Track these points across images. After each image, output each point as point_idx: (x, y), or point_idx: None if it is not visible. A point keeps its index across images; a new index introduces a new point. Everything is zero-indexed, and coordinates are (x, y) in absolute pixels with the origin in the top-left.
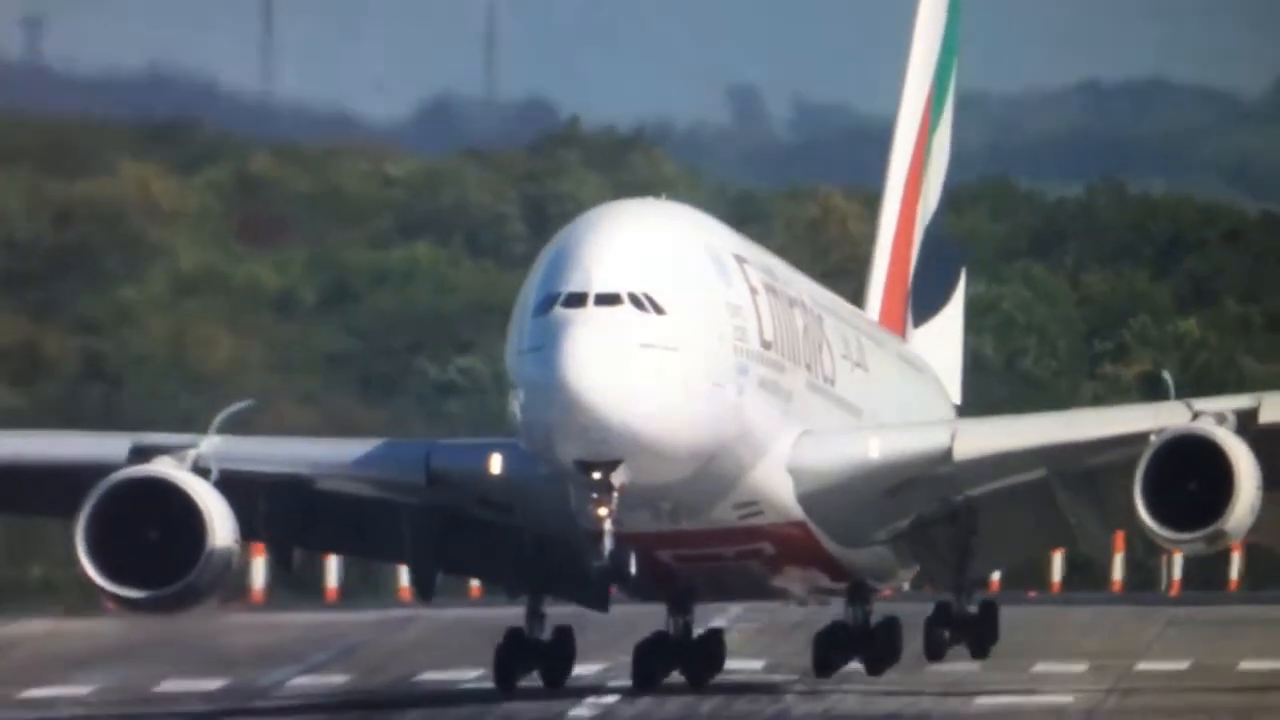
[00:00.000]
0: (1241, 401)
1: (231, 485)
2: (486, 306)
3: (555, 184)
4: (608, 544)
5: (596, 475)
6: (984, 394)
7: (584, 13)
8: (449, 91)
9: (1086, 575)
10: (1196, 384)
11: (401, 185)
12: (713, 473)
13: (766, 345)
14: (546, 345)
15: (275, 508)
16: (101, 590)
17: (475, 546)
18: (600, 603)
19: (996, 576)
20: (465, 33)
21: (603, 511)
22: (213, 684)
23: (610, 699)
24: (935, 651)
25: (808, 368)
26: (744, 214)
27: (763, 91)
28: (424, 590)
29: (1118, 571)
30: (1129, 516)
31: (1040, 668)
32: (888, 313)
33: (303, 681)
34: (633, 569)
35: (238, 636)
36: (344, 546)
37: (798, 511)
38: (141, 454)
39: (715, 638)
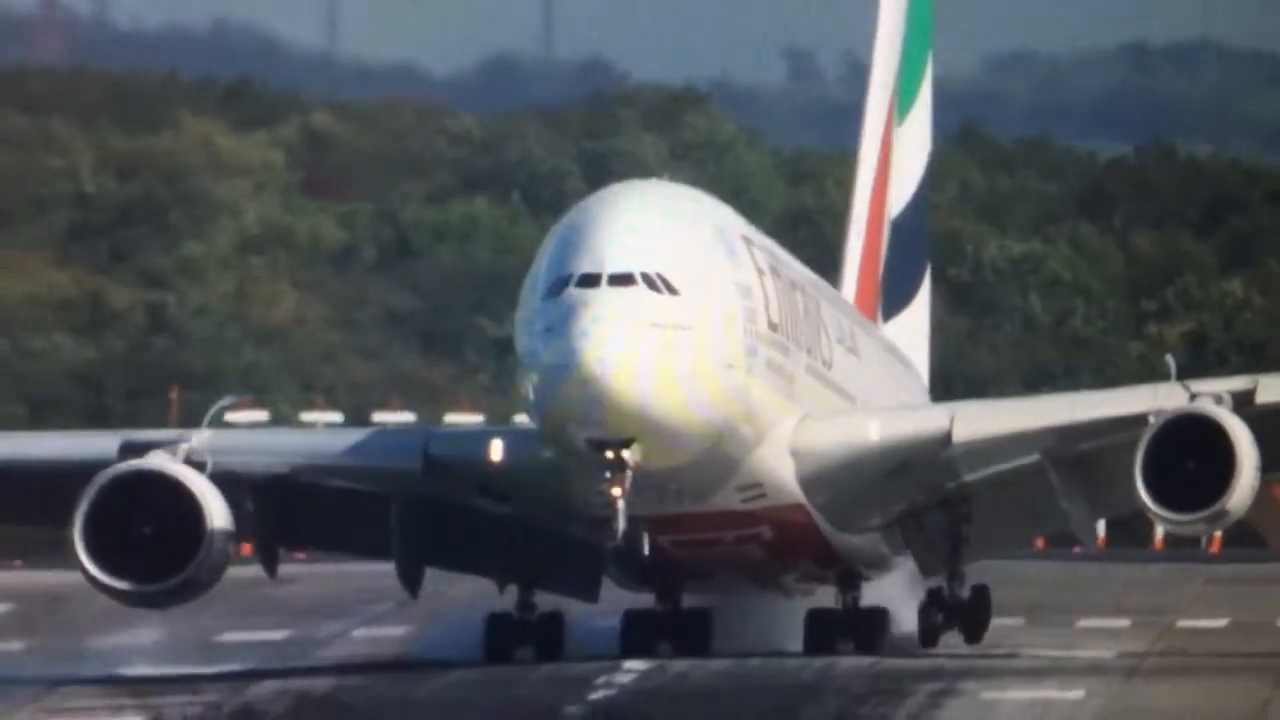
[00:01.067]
0: (1238, 383)
1: (221, 482)
2: None
3: (614, 142)
4: (621, 524)
5: (609, 454)
6: (1033, 353)
7: None
8: (509, 49)
9: (1129, 533)
10: (1239, 344)
11: (462, 142)
12: (719, 454)
13: (773, 327)
14: (560, 326)
15: (263, 504)
16: (98, 584)
17: (465, 540)
18: (590, 593)
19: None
20: None
21: (616, 491)
22: (276, 635)
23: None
24: (929, 637)
25: (808, 351)
26: (797, 172)
27: (816, 51)
28: (411, 585)
29: (1159, 530)
30: (1120, 502)
31: (1083, 624)
32: (860, 307)
33: (363, 633)
34: (646, 549)
35: (300, 587)
36: (331, 542)
37: (798, 494)
38: (131, 451)
39: (704, 614)
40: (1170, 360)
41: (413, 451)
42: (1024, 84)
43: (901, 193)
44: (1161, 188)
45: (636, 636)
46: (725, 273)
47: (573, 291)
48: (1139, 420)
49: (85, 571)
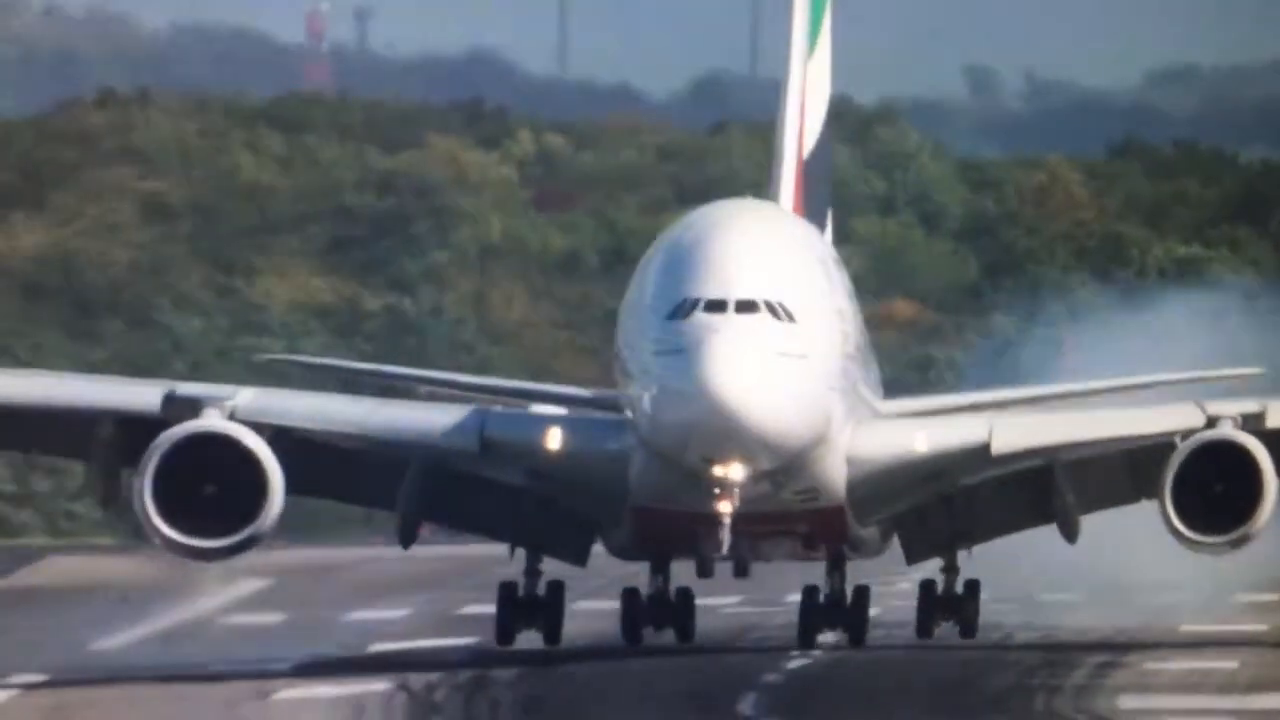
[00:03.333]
0: (1249, 405)
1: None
2: None
3: None
4: (727, 536)
5: (722, 472)
6: None
7: None
8: (718, 68)
9: None
10: None
11: (673, 156)
12: (796, 464)
13: (856, 348)
14: (689, 350)
15: (277, 453)
16: (169, 541)
17: (470, 500)
18: (580, 558)
19: None
20: (733, 11)
21: (726, 506)
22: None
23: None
24: (925, 629)
25: (865, 365)
26: (977, 181)
27: (996, 67)
28: (406, 539)
29: None
30: (1109, 499)
31: (1241, 598)
32: None
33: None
34: (725, 546)
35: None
36: (338, 492)
37: (843, 497)
38: (174, 402)
39: (688, 594)
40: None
41: (470, 432)
42: (1184, 95)
43: (811, 134)
44: None
45: (632, 613)
46: (829, 298)
47: (700, 316)
48: (1162, 439)
49: (155, 529)
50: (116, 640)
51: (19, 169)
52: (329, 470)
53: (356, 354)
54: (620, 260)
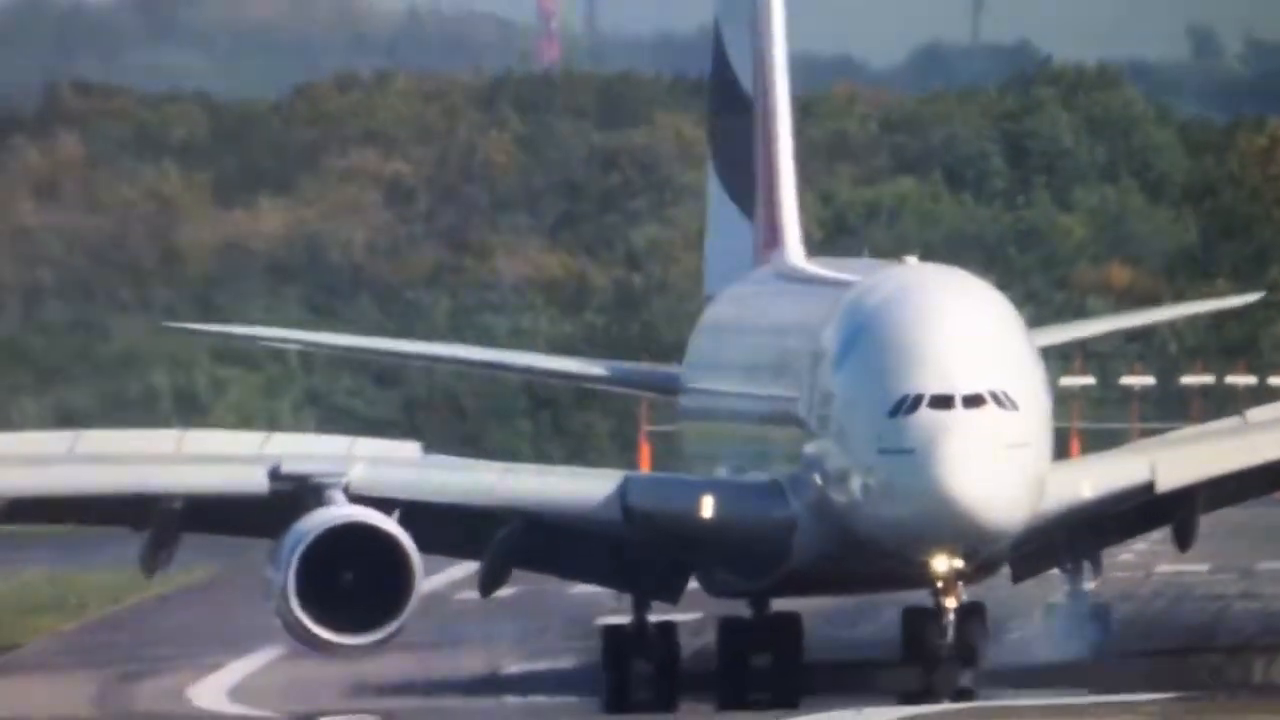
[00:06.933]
0: None
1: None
2: (964, 236)
3: (1032, 122)
4: (951, 623)
5: (946, 567)
6: None
7: None
8: (939, 37)
9: None
10: None
11: (894, 126)
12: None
13: (1050, 412)
14: (919, 451)
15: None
16: (314, 639)
17: (564, 546)
18: (672, 596)
19: None
20: None
21: (951, 602)
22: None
23: None
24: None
25: None
26: (1198, 144)
27: (1218, 29)
28: (490, 586)
29: None
30: (1228, 502)
31: None
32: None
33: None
34: (941, 638)
35: None
36: (434, 546)
37: (1007, 552)
38: (280, 479)
39: (796, 619)
40: None
41: (611, 502)
42: None
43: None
44: None
45: (732, 644)
46: (1039, 374)
47: (927, 414)
48: None
49: (304, 630)
50: None
51: (263, 152)
52: (428, 531)
53: (583, 329)
54: (840, 230)
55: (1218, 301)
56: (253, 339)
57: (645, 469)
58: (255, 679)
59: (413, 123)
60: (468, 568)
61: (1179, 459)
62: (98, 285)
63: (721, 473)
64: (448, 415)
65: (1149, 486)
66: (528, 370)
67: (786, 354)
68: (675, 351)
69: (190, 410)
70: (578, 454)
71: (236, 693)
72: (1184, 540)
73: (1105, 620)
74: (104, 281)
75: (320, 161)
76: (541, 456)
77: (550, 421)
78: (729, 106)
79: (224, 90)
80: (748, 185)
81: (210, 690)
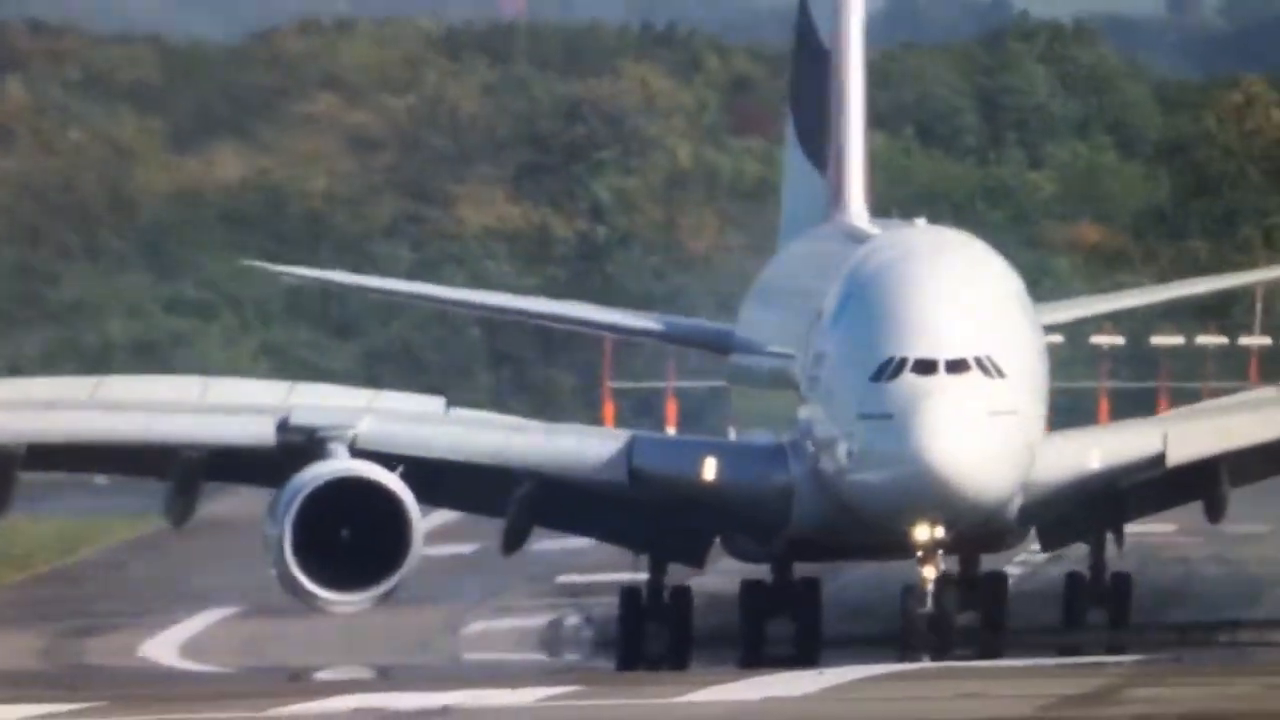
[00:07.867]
0: None
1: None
2: (934, 193)
3: (1006, 77)
4: (932, 591)
5: (927, 536)
6: None
7: None
8: None
9: None
10: None
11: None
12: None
13: (1046, 383)
14: (900, 416)
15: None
16: (310, 595)
17: (586, 507)
18: (697, 559)
19: None
20: None
21: (930, 572)
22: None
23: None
24: (1073, 618)
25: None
26: (1172, 101)
27: None
28: (513, 544)
29: None
30: (1256, 477)
31: None
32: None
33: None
34: (929, 606)
35: None
36: (450, 503)
37: (1014, 522)
38: (289, 430)
39: (815, 583)
40: None
41: (617, 463)
42: None
43: None
44: None
45: (751, 606)
46: (1033, 342)
47: (909, 379)
48: None
49: (300, 586)
50: None
51: (219, 98)
52: (443, 487)
53: (546, 281)
54: None
55: (1240, 275)
56: (342, 286)
57: (609, 426)
58: (207, 635)
59: (376, 70)
60: (434, 519)
61: (1192, 432)
62: (47, 232)
63: (760, 435)
64: (407, 367)
65: (1160, 458)
66: (582, 322)
67: (803, 314)
68: (638, 304)
69: (150, 361)
70: (539, 409)
71: (188, 648)
72: (1214, 514)
73: (1124, 591)
74: (53, 228)
75: (279, 107)
76: (503, 410)
77: (512, 376)
78: (810, 58)
79: (178, 32)
80: (823, 141)
81: (162, 645)
